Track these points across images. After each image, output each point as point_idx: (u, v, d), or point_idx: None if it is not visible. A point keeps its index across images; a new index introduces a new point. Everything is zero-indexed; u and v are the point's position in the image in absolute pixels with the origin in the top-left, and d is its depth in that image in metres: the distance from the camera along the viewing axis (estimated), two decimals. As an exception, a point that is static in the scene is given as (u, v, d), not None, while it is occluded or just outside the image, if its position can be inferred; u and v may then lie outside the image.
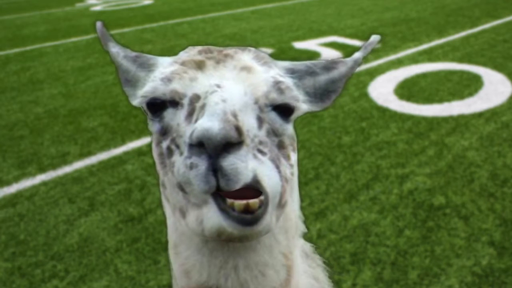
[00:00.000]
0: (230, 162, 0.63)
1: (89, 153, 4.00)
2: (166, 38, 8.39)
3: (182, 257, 0.78)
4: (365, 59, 0.88)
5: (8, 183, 3.61)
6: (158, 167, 0.75)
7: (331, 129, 4.10)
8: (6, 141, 4.38)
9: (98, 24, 0.91)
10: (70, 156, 3.97)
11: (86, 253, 2.73)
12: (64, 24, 10.62)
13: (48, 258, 2.71)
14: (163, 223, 0.84)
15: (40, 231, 2.98)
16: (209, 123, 0.62)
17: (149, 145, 0.81)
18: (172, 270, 0.83)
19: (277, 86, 0.74)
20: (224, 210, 0.65)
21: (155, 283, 2.45)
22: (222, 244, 0.74)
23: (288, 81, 0.78)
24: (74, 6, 13.49)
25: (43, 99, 5.50)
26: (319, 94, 0.83)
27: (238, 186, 0.64)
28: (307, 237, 0.90)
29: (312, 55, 6.39)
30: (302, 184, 3.28)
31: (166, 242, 0.83)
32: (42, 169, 3.77)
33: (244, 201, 0.65)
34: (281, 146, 0.74)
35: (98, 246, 2.78)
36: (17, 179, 3.66)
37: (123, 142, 4.18)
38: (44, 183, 3.56)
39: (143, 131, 4.34)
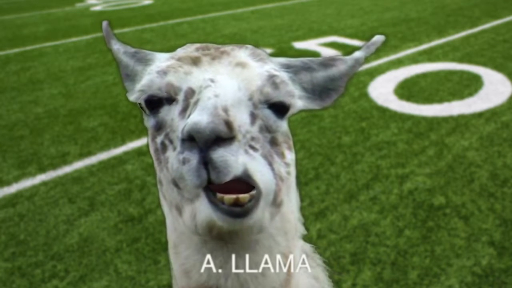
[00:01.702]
0: (219, 154, 0.63)
1: (89, 153, 4.00)
2: (166, 38, 8.39)
3: (182, 257, 0.78)
4: (365, 59, 0.87)
5: (8, 183, 3.61)
6: (155, 163, 0.75)
7: (331, 129, 4.10)
8: (6, 141, 4.38)
9: (104, 24, 0.93)
10: (70, 156, 3.97)
11: (86, 253, 2.73)
12: (64, 24, 10.62)
13: (48, 258, 2.71)
14: (163, 223, 0.84)
15: (40, 231, 2.98)
16: (198, 117, 0.63)
17: (148, 144, 0.81)
18: (172, 270, 0.83)
19: (272, 80, 0.74)
20: (214, 202, 0.66)
21: (155, 283, 2.45)
22: (221, 244, 0.73)
23: (283, 75, 0.77)
24: (74, 6, 13.49)
25: (43, 99, 5.50)
26: (318, 91, 0.82)
27: (228, 178, 0.64)
28: (307, 237, 0.90)
29: (312, 55, 6.38)
30: (302, 184, 3.28)
31: (166, 242, 0.83)
32: (42, 169, 3.77)
33: (234, 196, 0.65)
34: (273, 142, 0.73)
35: (98, 246, 2.78)
36: (17, 179, 3.66)
37: (123, 142, 4.18)
38: (44, 183, 3.56)
39: (143, 131, 4.34)
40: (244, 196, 0.65)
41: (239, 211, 0.66)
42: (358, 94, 4.84)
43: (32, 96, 5.65)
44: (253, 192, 0.67)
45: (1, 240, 2.92)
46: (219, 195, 0.65)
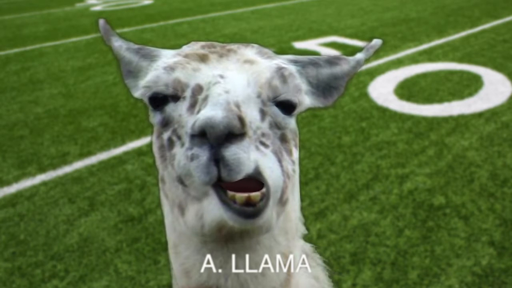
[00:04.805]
0: (232, 152, 0.63)
1: (89, 153, 4.00)
2: (166, 38, 8.39)
3: (182, 256, 0.78)
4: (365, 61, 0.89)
5: (8, 183, 3.61)
6: (158, 161, 0.75)
7: (331, 129, 4.10)
8: (6, 141, 4.38)
9: (101, 22, 0.91)
10: (70, 156, 3.97)
11: (86, 253, 2.73)
12: (64, 24, 10.62)
13: (48, 258, 2.71)
14: (163, 223, 0.83)
15: (40, 231, 2.98)
16: (212, 112, 0.62)
17: (149, 145, 0.80)
18: (172, 269, 0.83)
19: (280, 72, 0.74)
20: (225, 202, 0.65)
21: (155, 283, 2.45)
22: (221, 244, 0.73)
23: (291, 67, 0.78)
24: (74, 6, 13.49)
25: (43, 99, 5.50)
26: (322, 88, 0.83)
27: (240, 176, 0.63)
28: (307, 237, 0.90)
29: (312, 55, 6.35)
30: (302, 184, 3.26)
31: (166, 242, 0.83)
32: (42, 169, 3.77)
33: (245, 194, 0.64)
34: (283, 139, 0.74)
35: (98, 246, 2.78)
36: (17, 179, 3.66)
37: (123, 142, 4.18)
38: (44, 183, 3.56)
39: (143, 131, 4.34)
40: (255, 195, 0.65)
41: (251, 211, 0.65)
42: (358, 94, 4.84)
43: (32, 96, 5.65)
44: (264, 190, 0.66)
45: (1, 240, 2.92)
46: (230, 193, 0.64)
